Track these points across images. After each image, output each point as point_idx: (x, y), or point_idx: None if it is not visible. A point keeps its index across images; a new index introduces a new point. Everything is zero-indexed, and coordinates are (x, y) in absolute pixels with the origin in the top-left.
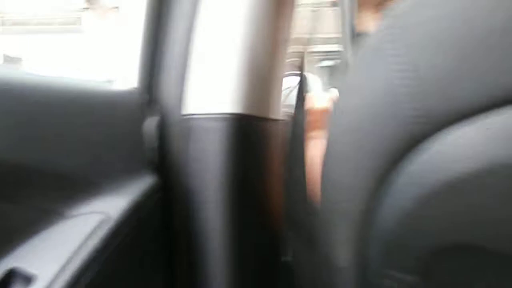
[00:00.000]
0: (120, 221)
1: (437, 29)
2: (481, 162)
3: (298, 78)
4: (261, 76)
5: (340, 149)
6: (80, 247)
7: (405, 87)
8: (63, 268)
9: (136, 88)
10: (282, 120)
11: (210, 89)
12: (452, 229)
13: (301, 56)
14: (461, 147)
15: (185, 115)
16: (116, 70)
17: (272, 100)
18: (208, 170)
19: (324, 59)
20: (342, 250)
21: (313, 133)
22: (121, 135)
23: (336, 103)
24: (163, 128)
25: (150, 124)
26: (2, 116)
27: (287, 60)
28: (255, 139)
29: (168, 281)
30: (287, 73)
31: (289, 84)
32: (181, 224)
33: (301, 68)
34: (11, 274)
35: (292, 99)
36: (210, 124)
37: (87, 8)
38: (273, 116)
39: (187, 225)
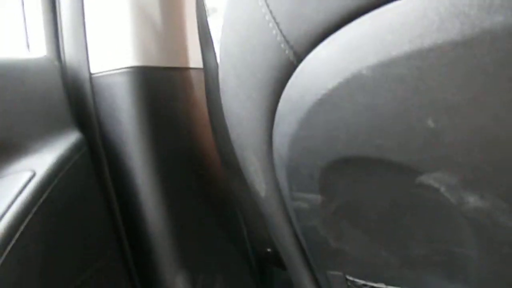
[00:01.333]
0: (47, 175)
1: None
2: (342, 75)
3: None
4: (159, 26)
5: (231, 83)
6: (11, 203)
7: (268, 14)
8: None
9: (46, 55)
10: (195, 68)
11: (110, 46)
12: (333, 145)
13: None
14: (325, 65)
15: (93, 73)
16: (14, 38)
17: (178, 49)
18: (121, 123)
19: None
20: (259, 180)
21: None
22: (39, 99)
23: (221, 40)
24: (76, 89)
25: (64, 85)
26: None
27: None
28: (164, 88)
29: (104, 228)
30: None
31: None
32: (110, 176)
33: (200, 11)
34: None
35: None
36: (114, 80)
37: None
38: (181, 64)
39: (115, 177)
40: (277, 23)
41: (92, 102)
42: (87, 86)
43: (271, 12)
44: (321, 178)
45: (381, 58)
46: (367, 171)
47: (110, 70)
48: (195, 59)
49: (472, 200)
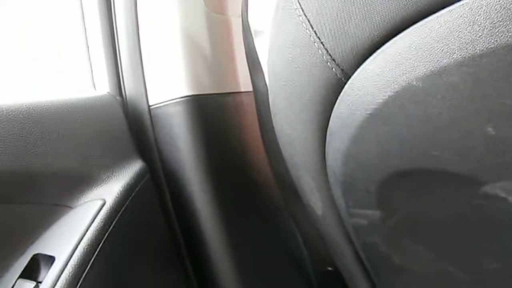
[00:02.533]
0: (115, 203)
1: None
2: (391, 89)
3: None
4: (208, 54)
5: (280, 105)
6: (86, 230)
7: (313, 35)
8: (74, 249)
9: (109, 92)
10: (245, 92)
11: (165, 78)
12: (387, 159)
13: (246, 24)
14: (373, 79)
15: (151, 105)
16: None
17: (228, 75)
18: (179, 150)
19: None
20: (315, 199)
21: None
22: (105, 132)
23: (268, 63)
24: (137, 121)
25: (126, 118)
26: (15, 138)
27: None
28: (218, 114)
29: (168, 252)
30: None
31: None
32: (171, 201)
33: (247, 35)
34: (35, 258)
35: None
36: (171, 109)
37: None
38: (232, 89)
39: (176, 201)
40: (322, 43)
41: (152, 132)
42: (146, 117)
43: (315, 32)
44: (378, 193)
45: (431, 68)
46: (425, 184)
47: (166, 101)
48: (245, 83)
49: None
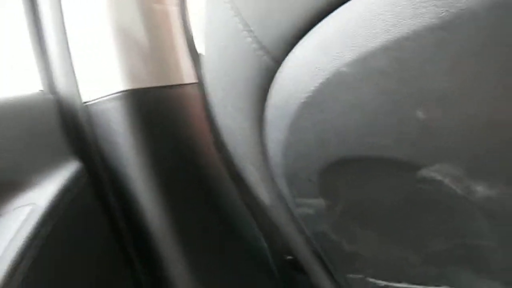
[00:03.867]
0: (49, 208)
1: None
2: (322, 76)
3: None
4: (145, 46)
5: (218, 96)
6: (13, 239)
7: (240, 23)
8: (0, 259)
9: (40, 90)
10: (191, 83)
11: (98, 73)
12: (325, 147)
13: (184, 13)
14: (303, 66)
15: (85, 102)
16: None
17: (169, 67)
18: (119, 147)
19: None
20: (262, 190)
21: None
22: (38, 134)
23: (203, 53)
24: (72, 119)
25: (60, 117)
26: None
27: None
28: (160, 107)
29: (114, 254)
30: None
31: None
32: (115, 200)
33: (185, 25)
34: None
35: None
36: (107, 106)
37: None
38: (176, 82)
39: (120, 200)
40: (250, 31)
41: (89, 130)
42: (82, 115)
43: (243, 20)
44: (320, 182)
45: (358, 53)
46: (365, 170)
47: (101, 97)
48: (191, 74)
49: (481, 189)
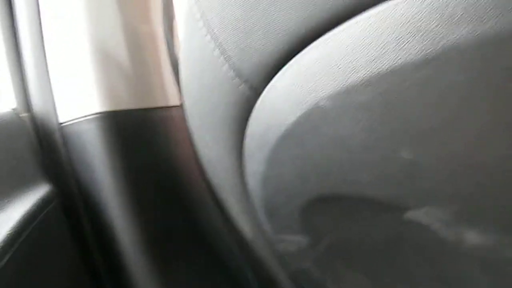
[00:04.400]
0: (11, 234)
1: None
2: (301, 108)
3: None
4: (127, 67)
5: (195, 124)
6: None
7: (216, 49)
8: None
9: (14, 109)
10: (176, 106)
11: (75, 93)
12: (305, 183)
13: (168, 35)
14: (282, 97)
15: (61, 123)
16: None
17: (152, 88)
18: (95, 171)
19: None
20: (243, 223)
21: None
22: (7, 156)
23: (181, 79)
24: (46, 140)
25: (34, 138)
26: None
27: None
28: (140, 130)
29: (84, 280)
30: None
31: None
32: (89, 224)
33: (169, 47)
34: None
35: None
36: (84, 127)
37: None
38: (159, 104)
39: (95, 226)
40: (226, 57)
41: (64, 152)
42: (57, 135)
43: (220, 46)
44: (302, 218)
45: (338, 87)
46: (348, 209)
47: (78, 118)
48: (176, 97)
49: (473, 236)
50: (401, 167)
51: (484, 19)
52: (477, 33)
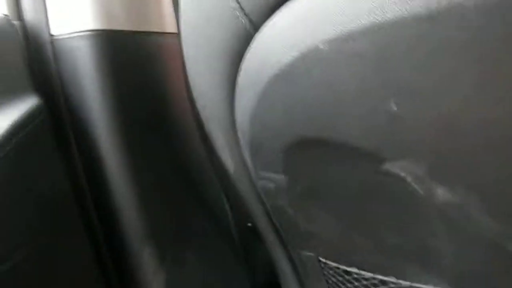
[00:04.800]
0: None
1: None
2: (298, 49)
3: None
4: None
5: (191, 52)
6: None
7: None
8: None
9: (5, 15)
10: (171, 33)
11: (70, 6)
12: (292, 124)
13: None
14: (281, 36)
15: (53, 35)
16: None
17: (150, 12)
18: (84, 90)
19: None
20: (226, 156)
21: None
22: None
23: (181, 4)
24: (37, 51)
25: (24, 47)
26: None
27: None
28: (134, 54)
29: (67, 195)
30: None
31: None
32: (74, 140)
33: None
34: None
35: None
36: (76, 43)
37: None
38: (155, 29)
39: (80, 143)
40: None
41: (54, 66)
42: (48, 48)
43: None
44: (284, 158)
45: (338, 32)
46: (330, 154)
47: (71, 33)
48: (172, 23)
49: (442, 192)
50: (386, 119)
51: None
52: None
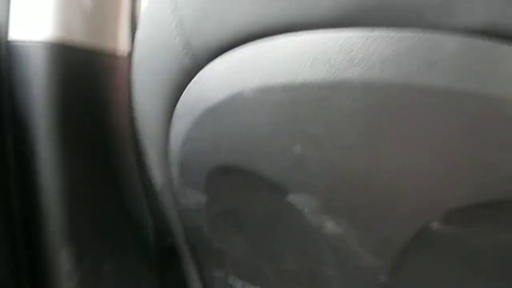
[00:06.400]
0: None
1: None
2: (228, 92)
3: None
4: (87, 3)
5: (140, 77)
6: None
7: (173, 21)
8: None
9: None
10: (122, 57)
11: (33, 13)
12: (217, 151)
13: None
14: (217, 79)
15: (10, 41)
16: None
17: (108, 31)
18: (31, 98)
19: None
20: (157, 173)
21: None
22: None
23: (137, 31)
24: None
25: None
26: None
27: None
28: (86, 70)
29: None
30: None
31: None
32: (12, 151)
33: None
34: None
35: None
36: (31, 51)
37: None
38: (110, 48)
39: (18, 146)
40: (183, 30)
41: (6, 71)
42: (3, 53)
43: (180, 17)
44: (208, 179)
45: (262, 84)
46: (244, 181)
47: (29, 40)
48: (127, 42)
49: (330, 225)
50: (292, 159)
51: (372, 67)
52: (363, 78)
